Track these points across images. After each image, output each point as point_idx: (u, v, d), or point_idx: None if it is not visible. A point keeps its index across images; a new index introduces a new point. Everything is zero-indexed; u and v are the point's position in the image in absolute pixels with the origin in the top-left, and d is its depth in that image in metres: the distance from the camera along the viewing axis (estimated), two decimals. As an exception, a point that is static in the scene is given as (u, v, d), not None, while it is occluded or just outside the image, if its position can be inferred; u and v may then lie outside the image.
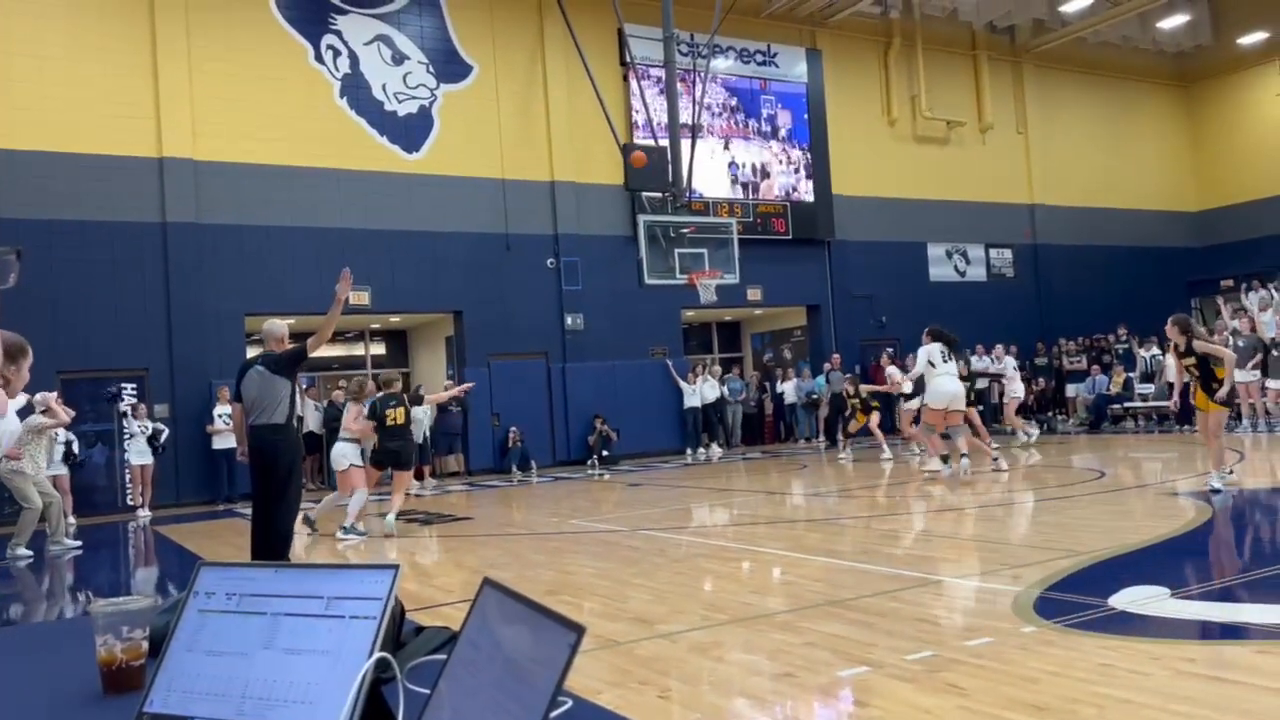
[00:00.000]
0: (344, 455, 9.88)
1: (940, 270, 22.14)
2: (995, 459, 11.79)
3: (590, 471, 16.28)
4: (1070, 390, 20.19)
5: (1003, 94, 23.23)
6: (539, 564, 7.38)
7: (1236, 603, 4.83)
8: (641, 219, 15.39)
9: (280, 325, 6.97)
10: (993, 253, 22.91)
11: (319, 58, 16.24)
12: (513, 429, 16.91)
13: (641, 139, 17.75)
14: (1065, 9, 22.17)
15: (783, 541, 7.98)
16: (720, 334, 23.14)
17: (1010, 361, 17.29)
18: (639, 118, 18.33)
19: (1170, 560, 6.21)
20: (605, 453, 17.23)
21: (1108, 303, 22.18)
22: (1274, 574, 5.62)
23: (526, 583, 6.49)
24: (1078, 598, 5.12)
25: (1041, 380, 20.50)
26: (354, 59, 16.55)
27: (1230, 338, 16.12)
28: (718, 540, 8.25)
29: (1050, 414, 20.25)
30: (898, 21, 21.64)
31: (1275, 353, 15.47)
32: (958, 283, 22.25)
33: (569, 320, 17.92)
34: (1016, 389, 16.51)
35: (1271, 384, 15.50)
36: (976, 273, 22.67)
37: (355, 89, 16.50)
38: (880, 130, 21.67)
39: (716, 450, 18.26)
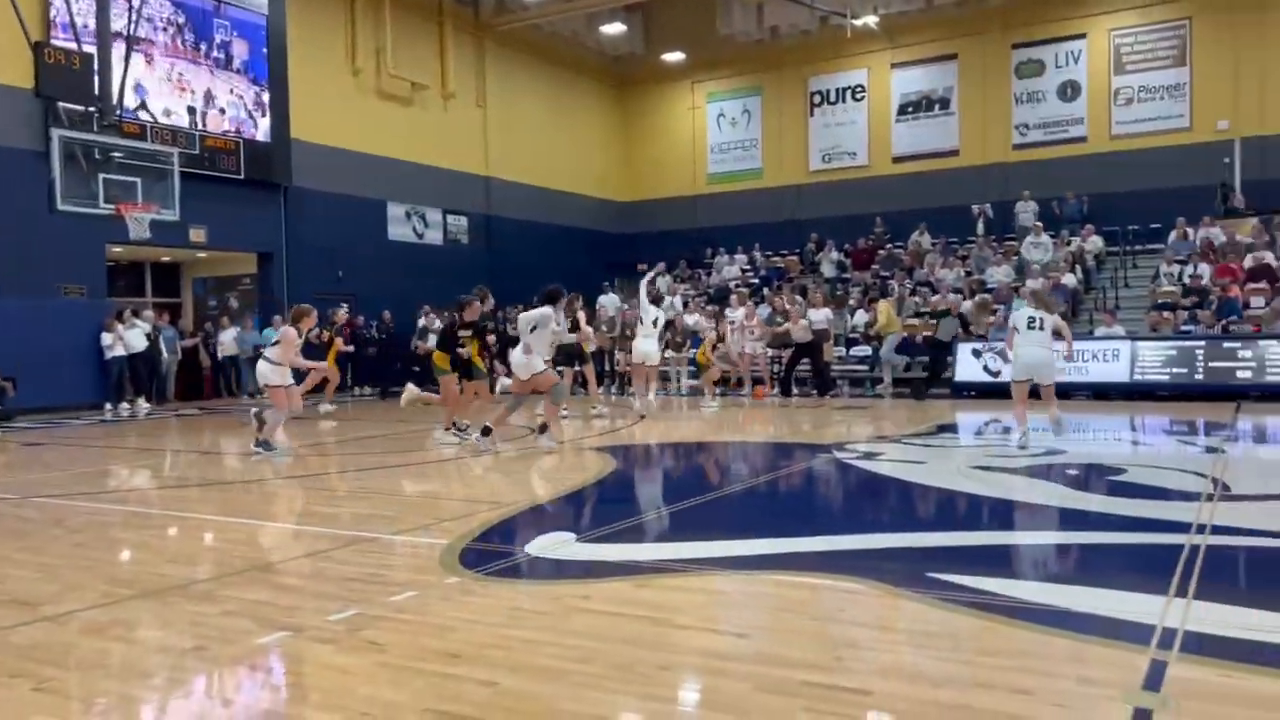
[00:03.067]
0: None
1: (399, 230, 22.37)
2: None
3: (-26, 429, 13.63)
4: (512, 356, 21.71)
5: (466, 66, 24.03)
6: (-116, 543, 5.96)
7: (626, 544, 5.58)
8: (57, 133, 13.16)
9: None
10: (450, 218, 23.71)
11: None
12: None
13: (62, 41, 15.15)
14: (523, -6, 23.57)
15: (212, 505, 7.43)
16: (155, 276, 20.82)
17: None
18: (59, 16, 15.63)
19: (579, 508, 6.99)
20: (-2, 407, 14.55)
21: (550, 275, 24.17)
22: (655, 518, 6.61)
23: None
24: (498, 547, 5.51)
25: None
26: None
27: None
28: (135, 506, 7.40)
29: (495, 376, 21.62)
30: (367, -30, 21.21)
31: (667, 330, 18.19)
32: (416, 244, 22.67)
33: (-49, 245, 14.74)
34: None
35: (669, 355, 18.22)
36: (434, 236, 23.30)
37: None
38: (345, 79, 21.11)
39: (144, 405, 16.47)
